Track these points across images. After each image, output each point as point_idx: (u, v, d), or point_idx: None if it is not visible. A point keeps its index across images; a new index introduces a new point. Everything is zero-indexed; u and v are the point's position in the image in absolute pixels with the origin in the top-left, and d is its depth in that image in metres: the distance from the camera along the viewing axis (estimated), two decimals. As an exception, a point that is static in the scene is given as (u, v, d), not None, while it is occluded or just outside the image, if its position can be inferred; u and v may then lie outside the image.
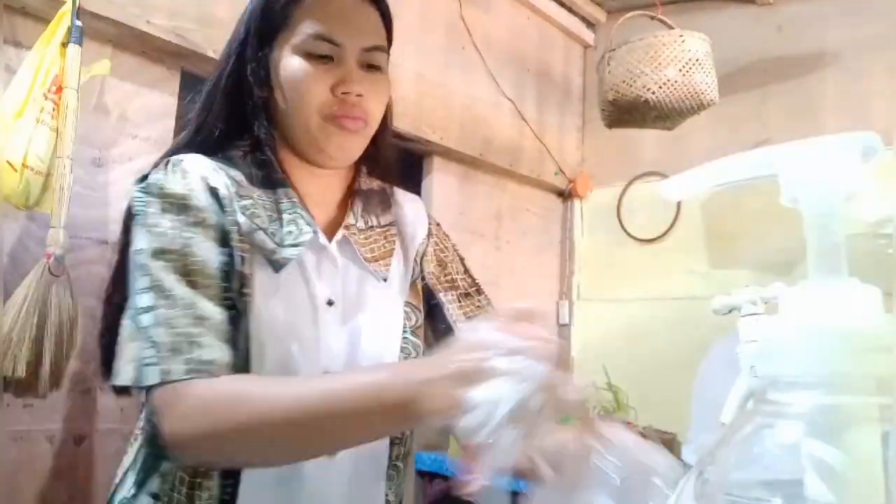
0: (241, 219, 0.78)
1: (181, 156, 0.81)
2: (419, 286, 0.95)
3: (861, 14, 2.26)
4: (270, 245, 0.79)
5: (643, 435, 2.24)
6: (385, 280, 0.88)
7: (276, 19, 0.83)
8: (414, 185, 2.42)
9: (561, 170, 2.84)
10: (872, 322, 0.36)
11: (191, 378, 0.68)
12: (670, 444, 2.15)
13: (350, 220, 0.88)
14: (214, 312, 0.72)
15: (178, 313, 0.70)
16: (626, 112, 2.10)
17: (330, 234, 0.86)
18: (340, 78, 0.81)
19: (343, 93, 0.81)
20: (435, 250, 0.98)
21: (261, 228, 0.79)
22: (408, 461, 0.91)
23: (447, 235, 1.03)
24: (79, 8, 1.40)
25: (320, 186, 0.89)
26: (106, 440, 1.52)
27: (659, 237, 2.65)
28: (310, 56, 0.81)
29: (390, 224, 0.94)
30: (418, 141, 2.29)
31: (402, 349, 0.88)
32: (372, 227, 0.91)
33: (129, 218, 0.79)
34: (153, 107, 1.66)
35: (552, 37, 2.88)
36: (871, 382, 0.35)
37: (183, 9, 1.64)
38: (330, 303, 0.83)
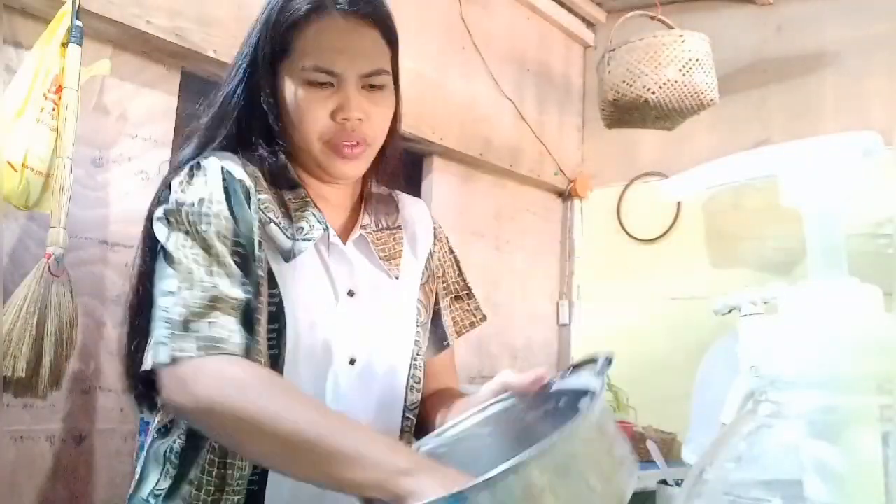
0: (259, 213, 0.83)
1: (202, 160, 0.84)
2: (429, 288, 1.00)
3: (861, 14, 2.25)
4: (282, 237, 0.83)
5: (643, 435, 2.24)
6: (397, 278, 0.93)
7: (278, 47, 0.86)
8: (414, 185, 2.42)
9: (561, 170, 2.84)
10: (872, 322, 0.36)
11: (202, 356, 0.70)
12: (670, 444, 2.15)
13: (366, 220, 0.94)
14: (234, 294, 0.75)
15: (196, 293, 0.73)
16: (626, 112, 2.09)
17: (346, 236, 0.91)
18: (339, 104, 0.84)
19: (343, 119, 0.84)
20: (440, 255, 1.04)
21: (273, 222, 0.84)
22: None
23: (447, 237, 1.08)
24: (79, 8, 1.40)
25: (332, 193, 0.93)
26: (106, 440, 1.52)
27: (659, 237, 2.64)
28: (310, 84, 0.84)
29: (398, 227, 0.99)
30: (418, 141, 2.29)
31: (416, 342, 0.94)
32: (383, 228, 0.96)
33: (149, 235, 0.83)
34: (153, 107, 1.66)
35: (552, 37, 2.87)
36: (871, 382, 0.35)
37: (183, 9, 1.64)
38: (351, 293, 0.88)
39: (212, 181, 0.81)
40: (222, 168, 0.82)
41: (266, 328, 0.81)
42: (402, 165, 1.02)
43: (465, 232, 2.47)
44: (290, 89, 0.85)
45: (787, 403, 0.37)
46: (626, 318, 2.66)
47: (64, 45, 1.38)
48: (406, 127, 2.30)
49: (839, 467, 0.34)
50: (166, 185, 0.83)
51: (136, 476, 0.87)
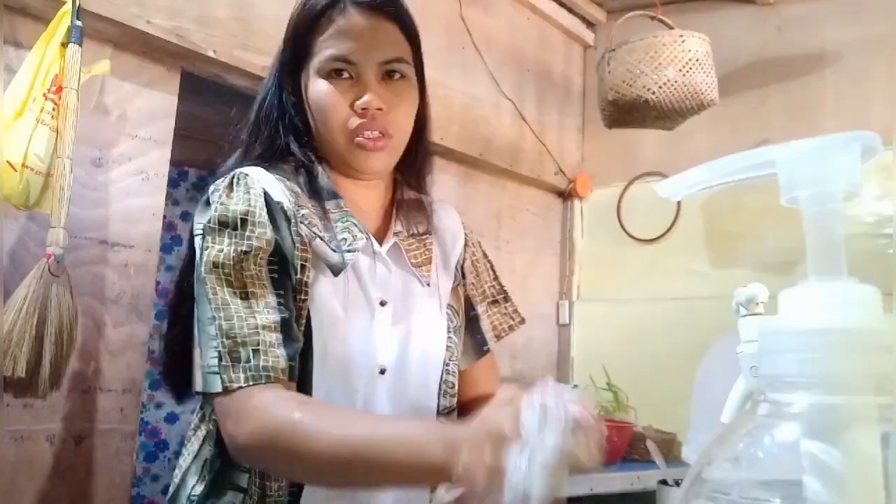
0: (303, 229, 0.84)
1: (246, 169, 0.86)
2: (461, 292, 1.01)
3: (861, 14, 2.25)
4: (329, 252, 0.84)
5: (643, 435, 2.24)
6: (429, 285, 0.94)
7: (301, 48, 0.90)
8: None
9: (561, 170, 2.83)
10: (872, 322, 0.36)
11: (250, 385, 0.73)
12: (670, 444, 2.15)
13: (398, 227, 0.95)
14: (271, 319, 0.77)
15: (236, 323, 0.76)
16: (626, 112, 2.09)
17: (379, 241, 0.92)
18: (358, 93, 0.86)
19: (362, 108, 0.85)
20: (473, 261, 1.05)
21: (318, 236, 0.85)
22: None
23: (479, 242, 1.09)
24: (79, 8, 1.40)
25: (364, 197, 0.94)
26: (106, 440, 1.52)
27: (659, 237, 2.64)
28: (330, 77, 0.87)
29: (427, 233, 0.99)
30: (418, 141, 2.29)
31: (448, 348, 0.94)
32: (414, 235, 0.96)
33: (191, 238, 0.85)
34: (153, 107, 1.66)
35: (552, 37, 2.87)
36: (870, 382, 0.35)
37: (183, 9, 1.64)
38: (382, 303, 0.89)
39: (254, 195, 0.82)
40: (263, 189, 0.84)
41: None
42: (431, 172, 1.03)
43: (465, 232, 2.47)
44: (313, 86, 0.88)
45: (787, 403, 0.37)
46: (626, 318, 2.66)
47: (64, 45, 1.37)
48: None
49: (839, 467, 0.34)
50: (208, 194, 0.84)
51: (176, 481, 0.88)
